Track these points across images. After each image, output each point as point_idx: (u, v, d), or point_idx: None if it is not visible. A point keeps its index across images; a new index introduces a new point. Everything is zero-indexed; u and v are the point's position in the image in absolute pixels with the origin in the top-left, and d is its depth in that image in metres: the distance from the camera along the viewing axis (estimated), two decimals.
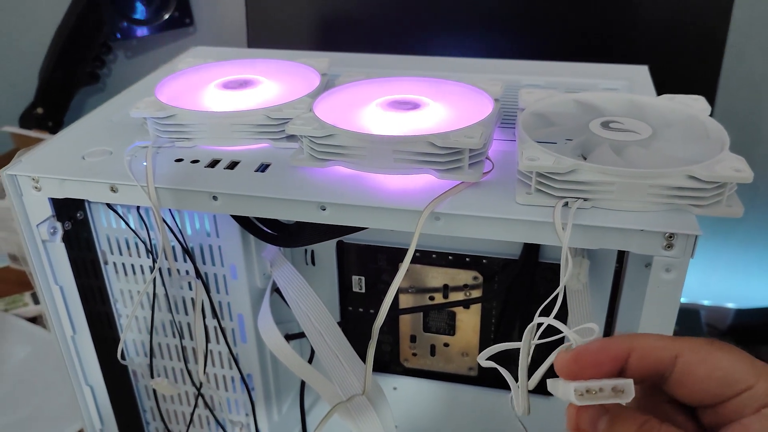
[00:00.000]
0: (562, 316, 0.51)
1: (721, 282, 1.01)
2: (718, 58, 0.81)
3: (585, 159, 0.43)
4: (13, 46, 1.23)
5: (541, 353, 0.35)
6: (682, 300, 1.02)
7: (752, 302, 0.97)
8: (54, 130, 1.15)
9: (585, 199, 0.41)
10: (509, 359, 0.63)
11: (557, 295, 0.38)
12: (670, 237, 0.40)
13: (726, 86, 0.87)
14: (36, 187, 0.49)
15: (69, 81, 1.13)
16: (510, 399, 0.37)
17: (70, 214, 0.53)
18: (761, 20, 0.87)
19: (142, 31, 1.08)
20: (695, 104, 0.49)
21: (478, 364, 0.65)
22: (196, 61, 0.60)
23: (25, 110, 1.14)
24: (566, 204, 0.41)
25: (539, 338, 0.36)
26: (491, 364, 0.37)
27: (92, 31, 1.08)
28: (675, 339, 0.30)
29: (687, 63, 0.83)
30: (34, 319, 0.97)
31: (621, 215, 0.41)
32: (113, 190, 0.47)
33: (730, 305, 0.98)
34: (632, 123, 0.46)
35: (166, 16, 1.07)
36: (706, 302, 0.99)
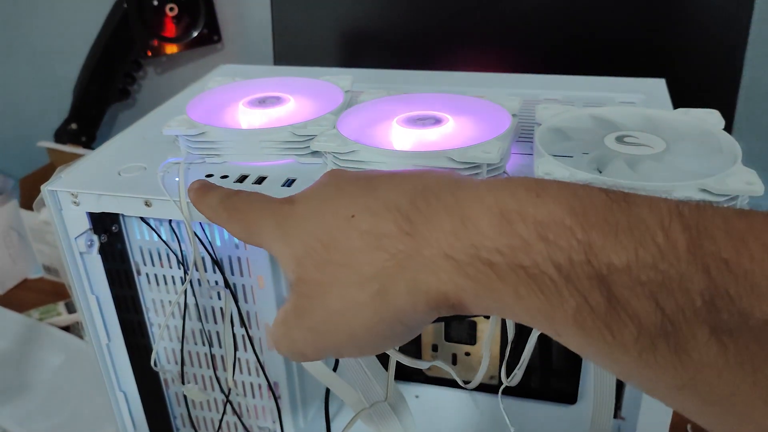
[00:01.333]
0: None
1: None
2: (737, 69, 0.82)
3: (600, 173, 0.44)
4: (48, 64, 1.28)
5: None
6: None
7: None
8: (87, 144, 1.18)
9: None
10: (529, 370, 0.64)
11: None
12: None
13: (746, 97, 0.87)
14: (75, 202, 0.52)
15: (102, 97, 1.17)
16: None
17: (106, 227, 0.55)
18: None
19: (171, 49, 1.11)
20: (709, 118, 0.50)
21: (499, 373, 0.66)
22: (224, 79, 0.63)
23: (60, 126, 1.18)
24: None
25: None
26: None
27: (124, 49, 1.12)
28: None
29: (706, 75, 0.83)
30: (68, 328, 1.00)
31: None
32: (147, 204, 0.50)
33: None
34: (646, 137, 0.47)
35: (195, 34, 1.10)
36: None
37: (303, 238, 0.31)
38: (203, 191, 0.39)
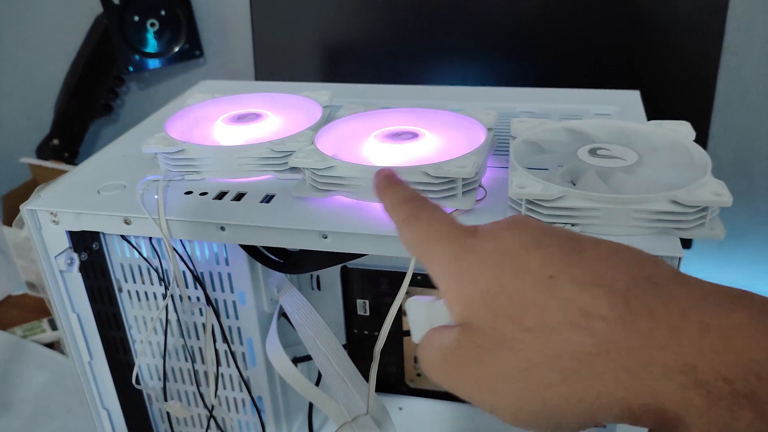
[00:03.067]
0: None
1: None
2: (712, 79, 0.83)
3: (574, 185, 0.45)
4: (30, 80, 1.27)
5: None
6: None
7: None
8: (70, 160, 1.18)
9: (573, 225, 0.43)
10: None
11: None
12: None
13: (722, 106, 0.89)
14: (54, 221, 0.52)
15: (84, 113, 1.17)
16: None
17: (87, 245, 0.55)
18: (754, 39, 0.89)
19: (153, 64, 1.11)
20: (680, 129, 0.51)
21: None
22: (204, 96, 0.63)
23: (41, 142, 1.18)
24: None
25: None
26: None
27: (106, 64, 1.12)
28: None
29: (681, 85, 0.85)
30: (52, 345, 0.99)
31: (607, 239, 0.42)
32: (127, 222, 0.50)
33: None
34: (619, 150, 0.48)
35: (177, 49, 1.10)
36: None
37: (482, 282, 0.28)
38: (391, 182, 0.34)
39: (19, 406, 0.87)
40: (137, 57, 1.09)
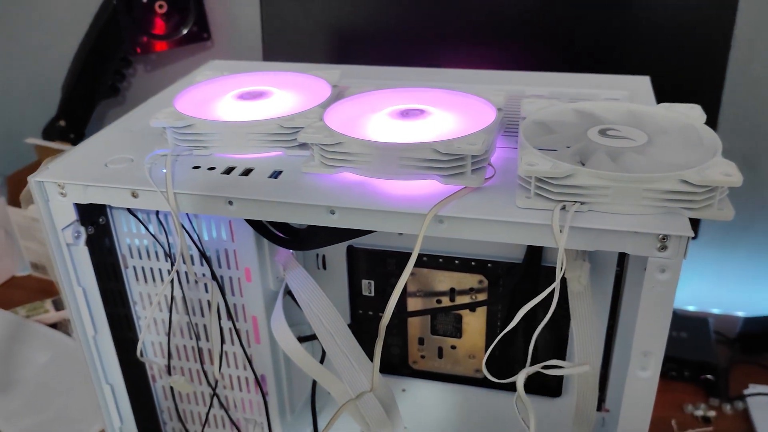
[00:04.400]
0: (566, 317, 0.53)
1: (730, 290, 1.02)
2: (722, 66, 0.83)
3: (583, 165, 0.45)
4: (37, 61, 1.27)
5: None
6: (692, 308, 1.02)
7: (761, 310, 0.98)
8: (76, 141, 1.18)
9: (582, 203, 0.43)
10: (513, 362, 0.65)
11: (553, 294, 0.41)
12: (664, 238, 0.41)
13: (731, 94, 0.88)
14: (62, 193, 0.52)
15: (90, 94, 1.17)
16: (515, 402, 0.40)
17: (93, 219, 0.55)
18: (765, 27, 0.88)
19: (161, 46, 1.11)
20: (691, 113, 0.50)
21: (485, 366, 0.67)
22: (213, 73, 0.63)
23: (48, 123, 1.18)
24: (564, 207, 0.43)
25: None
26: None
27: (113, 46, 1.12)
28: None
29: (691, 72, 0.84)
30: (55, 325, 1.00)
31: (616, 218, 0.42)
32: (134, 195, 0.50)
33: (739, 313, 0.98)
34: (629, 131, 0.48)
35: (185, 31, 1.10)
36: (715, 310, 1.00)
37: None
38: None
39: (22, 385, 0.88)
40: (145, 39, 1.09)
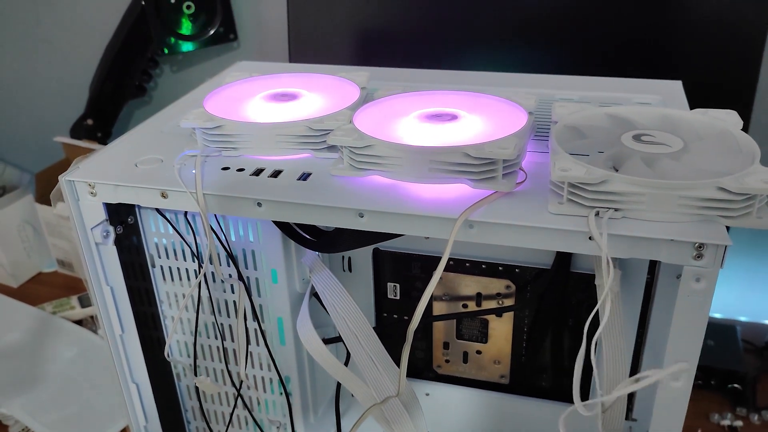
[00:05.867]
0: (594, 324, 0.52)
1: (759, 298, 1.00)
2: (755, 71, 0.81)
3: (617, 171, 0.44)
4: (66, 60, 1.29)
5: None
6: (720, 315, 1.00)
7: None
8: (103, 140, 1.19)
9: (616, 209, 0.42)
10: (541, 370, 0.64)
11: (599, 302, 0.40)
12: (700, 247, 0.41)
13: (763, 102, 0.87)
14: (92, 192, 0.52)
15: (118, 94, 1.18)
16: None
17: (122, 218, 0.56)
18: None
19: (187, 46, 1.12)
20: (728, 118, 0.49)
21: (510, 372, 0.66)
22: (242, 74, 0.63)
23: (76, 121, 1.19)
24: (597, 214, 0.42)
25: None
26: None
27: (140, 46, 1.13)
28: None
29: (724, 77, 0.83)
30: (80, 322, 1.00)
31: (651, 225, 0.42)
32: (163, 195, 0.50)
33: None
34: (664, 136, 0.47)
35: (211, 32, 1.11)
36: (743, 318, 0.98)
37: None
38: None
39: (48, 380, 0.89)
40: (172, 39, 1.10)
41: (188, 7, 1.09)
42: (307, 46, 0.97)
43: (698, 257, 0.41)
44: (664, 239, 0.41)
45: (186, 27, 1.10)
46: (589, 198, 0.42)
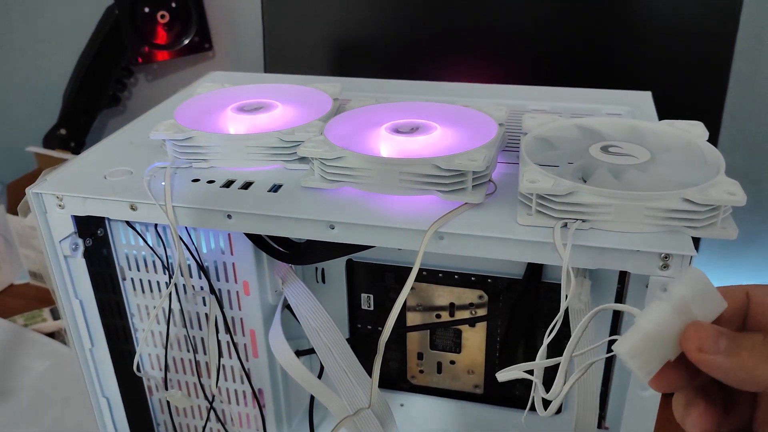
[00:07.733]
0: (566, 335, 0.52)
1: None
2: (722, 85, 0.83)
3: (585, 182, 0.45)
4: (39, 69, 1.27)
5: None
6: None
7: None
8: (76, 150, 1.18)
9: (583, 221, 0.43)
10: (514, 379, 0.64)
11: (560, 313, 0.40)
12: (666, 257, 0.41)
13: (732, 113, 0.88)
14: (60, 205, 0.51)
15: (91, 103, 1.17)
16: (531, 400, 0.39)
17: (91, 231, 0.55)
18: (767, 46, 0.88)
19: (162, 56, 1.11)
20: (693, 129, 0.50)
21: (484, 382, 0.66)
22: (213, 85, 0.63)
23: (49, 131, 1.18)
24: (565, 225, 0.42)
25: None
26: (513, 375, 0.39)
27: (114, 55, 1.12)
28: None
29: (692, 88, 0.84)
30: (52, 335, 0.99)
31: (618, 236, 0.42)
32: (133, 208, 0.50)
33: None
34: (631, 147, 0.48)
35: (186, 41, 1.10)
36: None
37: None
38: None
39: (19, 394, 0.87)
40: (146, 48, 1.09)
41: (162, 16, 1.08)
42: (283, 56, 0.97)
43: (664, 267, 0.41)
44: (631, 250, 0.41)
45: (161, 36, 1.10)
46: (556, 209, 0.43)
